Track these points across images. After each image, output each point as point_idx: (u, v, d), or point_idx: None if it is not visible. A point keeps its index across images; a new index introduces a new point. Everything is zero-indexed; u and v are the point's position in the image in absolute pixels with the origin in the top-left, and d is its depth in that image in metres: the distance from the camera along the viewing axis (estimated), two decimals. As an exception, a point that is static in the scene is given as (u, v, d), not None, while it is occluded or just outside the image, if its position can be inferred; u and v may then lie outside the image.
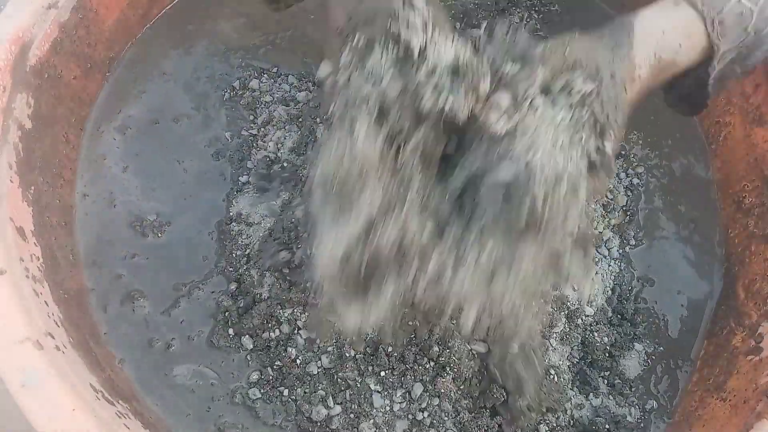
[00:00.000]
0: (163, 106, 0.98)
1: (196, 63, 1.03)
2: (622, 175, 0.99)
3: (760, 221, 0.91)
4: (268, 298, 0.82)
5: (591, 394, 0.82)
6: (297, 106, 0.99)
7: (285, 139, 0.96)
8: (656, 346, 0.88)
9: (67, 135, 0.90)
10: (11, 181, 0.76)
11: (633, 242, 0.95)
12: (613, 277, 0.91)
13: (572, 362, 0.83)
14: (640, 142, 1.01)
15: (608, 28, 0.68)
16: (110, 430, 0.64)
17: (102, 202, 0.91)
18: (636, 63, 0.67)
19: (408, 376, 0.78)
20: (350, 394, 0.78)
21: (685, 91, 0.77)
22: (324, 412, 0.77)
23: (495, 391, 0.77)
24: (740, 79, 0.87)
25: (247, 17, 1.07)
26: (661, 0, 0.71)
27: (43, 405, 0.61)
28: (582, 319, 0.85)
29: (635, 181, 0.98)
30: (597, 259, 0.91)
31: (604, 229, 0.94)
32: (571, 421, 0.80)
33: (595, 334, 0.84)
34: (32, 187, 0.80)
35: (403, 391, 0.78)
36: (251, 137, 0.97)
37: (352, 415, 0.77)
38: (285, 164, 0.93)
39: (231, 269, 0.86)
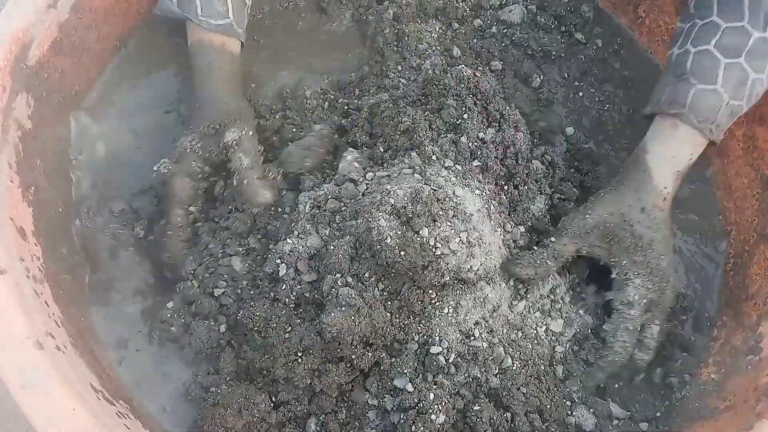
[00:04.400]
0: (162, 104, 0.98)
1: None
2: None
3: (760, 221, 0.91)
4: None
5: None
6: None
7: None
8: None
9: (67, 135, 0.90)
10: (11, 181, 0.76)
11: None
12: None
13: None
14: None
15: (625, 175, 0.83)
16: (110, 430, 0.64)
17: (102, 201, 0.90)
18: (661, 189, 0.82)
19: None
20: None
21: None
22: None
23: None
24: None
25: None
26: (660, 126, 0.83)
27: (43, 405, 0.61)
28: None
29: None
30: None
31: None
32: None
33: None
34: (32, 188, 0.80)
35: None
36: None
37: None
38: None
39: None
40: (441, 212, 0.74)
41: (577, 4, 1.09)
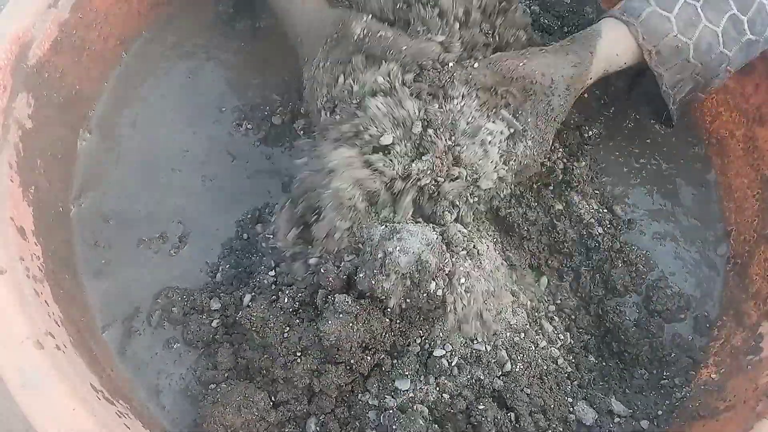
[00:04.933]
0: (163, 107, 0.98)
1: (197, 64, 1.03)
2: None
3: (760, 221, 0.91)
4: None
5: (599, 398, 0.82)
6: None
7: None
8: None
9: (68, 134, 0.90)
10: (11, 181, 0.77)
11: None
12: None
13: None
14: (642, 145, 1.01)
15: (571, 47, 0.83)
16: (110, 430, 0.64)
17: (102, 201, 0.91)
18: (589, 75, 0.84)
19: None
20: None
21: (645, 96, 0.95)
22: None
23: None
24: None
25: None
26: (615, 25, 0.85)
27: (43, 405, 0.61)
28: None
29: (636, 179, 0.99)
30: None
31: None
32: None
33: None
34: (32, 187, 0.80)
35: None
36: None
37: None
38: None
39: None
40: (451, 268, 0.74)
41: (580, 5, 1.09)
